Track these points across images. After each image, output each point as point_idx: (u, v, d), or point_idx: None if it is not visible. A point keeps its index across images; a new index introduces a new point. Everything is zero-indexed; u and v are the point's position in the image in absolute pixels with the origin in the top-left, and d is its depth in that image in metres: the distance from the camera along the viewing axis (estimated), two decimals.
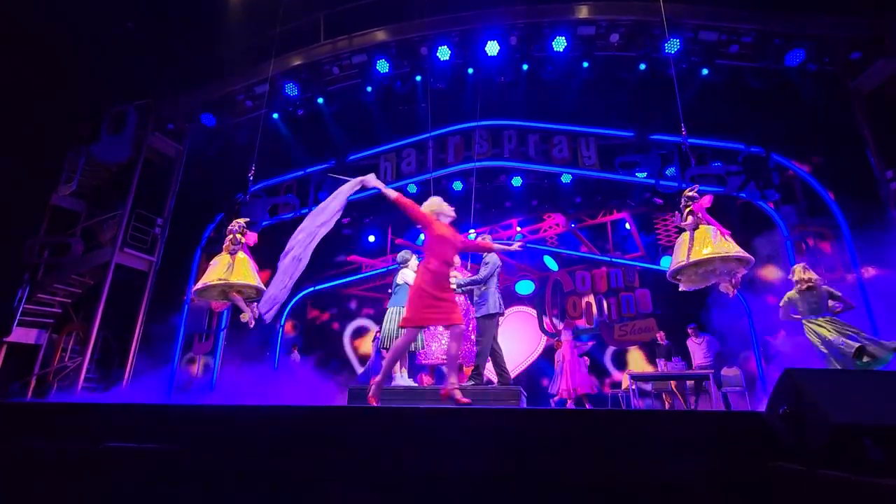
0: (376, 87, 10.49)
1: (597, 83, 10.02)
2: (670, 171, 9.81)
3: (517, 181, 10.94)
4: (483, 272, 5.44)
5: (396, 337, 5.29)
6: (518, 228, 12.01)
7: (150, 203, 10.35)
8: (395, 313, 5.45)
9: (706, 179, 9.32)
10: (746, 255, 5.10)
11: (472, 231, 11.38)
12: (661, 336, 9.58)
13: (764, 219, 9.30)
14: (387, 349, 5.39)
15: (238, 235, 5.97)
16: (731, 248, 5.01)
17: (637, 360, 10.80)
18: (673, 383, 8.99)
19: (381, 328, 5.65)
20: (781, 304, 5.72)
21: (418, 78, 10.23)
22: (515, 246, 4.77)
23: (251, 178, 7.15)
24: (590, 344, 10.51)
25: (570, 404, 8.51)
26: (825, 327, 5.19)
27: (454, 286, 5.37)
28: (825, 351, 5.10)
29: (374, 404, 3.97)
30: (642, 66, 9.50)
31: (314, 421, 3.00)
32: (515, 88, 10.43)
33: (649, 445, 2.48)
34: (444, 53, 9.79)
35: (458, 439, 2.67)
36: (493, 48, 9.64)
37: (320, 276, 12.26)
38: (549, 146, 10.53)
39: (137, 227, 10.02)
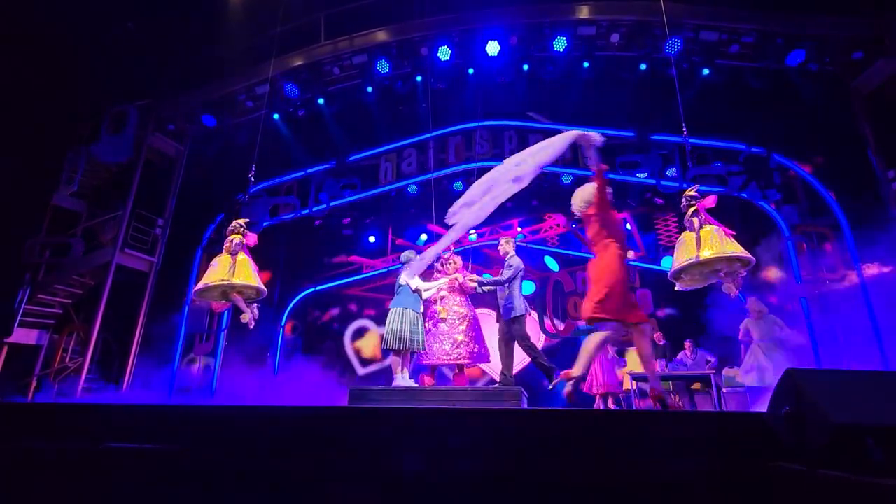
0: (377, 87, 10.48)
1: (597, 83, 10.01)
2: (671, 172, 9.80)
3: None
4: (506, 273, 5.42)
5: (400, 338, 5.28)
6: (519, 229, 12.00)
7: (150, 203, 10.35)
8: (398, 314, 5.41)
9: (707, 179, 9.32)
10: (749, 255, 5.10)
11: (472, 231, 11.41)
12: (658, 336, 9.57)
13: (765, 219, 9.29)
14: (391, 350, 5.36)
15: (238, 236, 5.97)
16: (736, 248, 5.02)
17: (638, 361, 10.77)
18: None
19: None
20: (741, 327, 7.31)
21: (419, 78, 10.22)
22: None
23: (252, 179, 7.15)
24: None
25: (598, 401, 8.58)
26: (765, 352, 6.38)
27: (475, 285, 5.37)
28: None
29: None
30: (643, 66, 9.50)
31: (314, 421, 3.00)
32: (516, 88, 10.43)
33: (649, 446, 2.48)
34: (444, 54, 9.79)
35: (459, 440, 2.67)
36: (493, 48, 9.64)
37: (321, 277, 12.26)
38: None
39: (138, 227, 10.03)
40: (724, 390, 7.59)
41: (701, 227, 5.04)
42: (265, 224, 11.19)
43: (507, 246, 5.88)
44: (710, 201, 5.26)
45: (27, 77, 8.93)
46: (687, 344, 8.92)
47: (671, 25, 8.11)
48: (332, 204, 11.11)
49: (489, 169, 10.61)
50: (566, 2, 9.48)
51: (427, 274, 6.15)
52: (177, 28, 10.06)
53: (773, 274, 9.03)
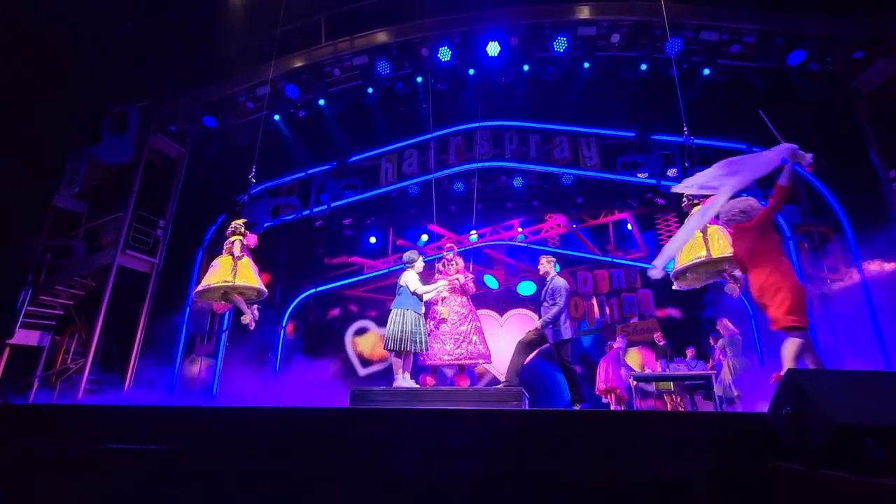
0: (377, 88, 10.49)
1: (598, 83, 10.00)
2: (672, 172, 9.80)
3: (518, 182, 10.94)
4: (560, 300, 5.46)
5: (401, 338, 5.27)
6: (519, 229, 12.01)
7: (151, 204, 10.37)
8: (399, 315, 5.40)
9: None
10: None
11: (473, 232, 11.42)
12: (658, 336, 9.57)
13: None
14: (392, 350, 5.35)
15: (239, 237, 5.96)
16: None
17: (639, 361, 10.78)
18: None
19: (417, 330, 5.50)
20: (717, 346, 8.23)
21: (419, 79, 10.23)
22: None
23: (253, 181, 7.14)
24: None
25: (604, 399, 8.77)
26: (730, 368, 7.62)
27: (539, 325, 5.42)
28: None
29: None
30: (643, 67, 9.49)
31: (315, 422, 3.00)
32: (516, 89, 10.43)
33: (650, 446, 2.48)
34: (444, 54, 9.79)
35: (460, 440, 2.67)
36: (493, 49, 9.64)
37: (322, 278, 12.28)
38: (550, 146, 10.53)
39: (139, 228, 10.04)
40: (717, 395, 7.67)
41: (707, 226, 5.04)
42: (266, 225, 11.20)
43: (547, 265, 5.87)
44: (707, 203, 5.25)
45: (28, 78, 8.94)
46: (689, 352, 8.94)
47: (671, 26, 8.10)
48: (332, 205, 11.13)
49: (490, 169, 10.78)
50: (566, 2, 9.48)
51: (428, 274, 6.15)
52: (177, 29, 10.07)
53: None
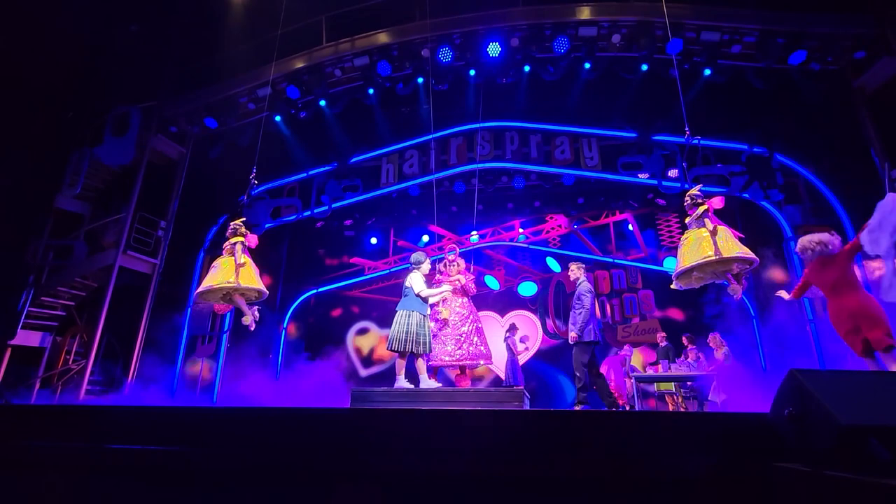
0: (378, 88, 10.50)
1: (599, 84, 10.00)
2: (673, 172, 9.79)
3: (519, 182, 10.94)
4: (586, 301, 5.72)
5: (406, 339, 5.26)
6: (520, 230, 12.00)
7: (152, 205, 10.37)
8: (404, 316, 5.35)
9: (709, 180, 9.31)
10: (755, 256, 5.12)
11: (474, 232, 11.42)
12: (661, 337, 9.56)
13: (767, 219, 9.27)
14: (395, 352, 5.33)
15: (240, 238, 5.95)
16: (745, 249, 5.05)
17: (641, 361, 10.77)
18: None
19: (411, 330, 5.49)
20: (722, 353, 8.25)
21: (420, 80, 10.23)
22: None
23: (254, 182, 7.13)
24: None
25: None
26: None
27: (576, 336, 5.65)
28: None
29: None
30: (644, 67, 9.48)
31: (316, 423, 2.99)
32: (517, 90, 10.42)
33: (652, 446, 2.47)
34: (445, 55, 9.80)
35: (461, 441, 2.66)
36: (494, 49, 9.65)
37: (323, 279, 12.28)
38: (551, 147, 10.52)
39: (140, 229, 10.05)
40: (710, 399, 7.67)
41: (717, 227, 5.06)
42: (267, 226, 11.21)
43: (577, 272, 6.10)
44: (719, 202, 5.28)
45: (31, 79, 8.96)
46: (691, 353, 8.90)
47: (672, 26, 8.09)
48: (333, 205, 11.13)
49: (490, 170, 10.77)
50: (567, 3, 9.48)
51: (429, 275, 6.13)
52: (179, 31, 10.10)
53: (776, 274, 9.00)
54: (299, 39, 10.24)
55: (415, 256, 5.75)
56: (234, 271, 5.69)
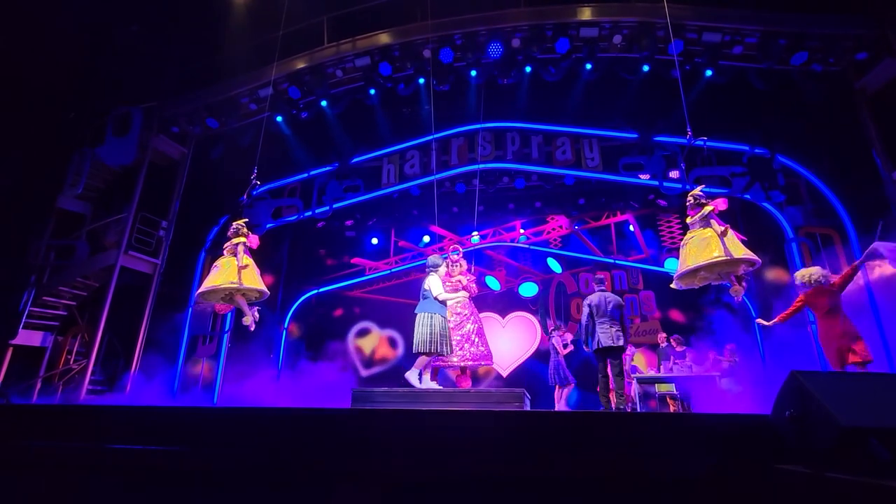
0: (379, 89, 10.51)
1: (600, 85, 10.00)
2: (674, 173, 9.79)
3: (520, 183, 10.94)
4: (582, 316, 6.23)
5: (431, 341, 5.28)
6: (521, 230, 12.00)
7: (154, 205, 10.39)
8: (427, 318, 5.38)
9: (710, 181, 9.30)
10: (758, 258, 5.14)
11: (475, 233, 11.41)
12: (661, 338, 9.55)
13: (769, 220, 9.26)
14: (422, 353, 5.34)
15: (242, 238, 5.96)
16: (748, 251, 5.07)
17: (643, 362, 10.76)
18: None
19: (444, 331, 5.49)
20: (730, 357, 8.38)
21: (421, 80, 10.24)
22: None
23: (257, 182, 7.12)
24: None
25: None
26: None
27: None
28: None
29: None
30: (646, 68, 9.48)
31: (317, 423, 2.99)
32: (518, 90, 10.43)
33: (653, 447, 2.47)
34: (446, 56, 9.81)
35: (462, 441, 2.66)
36: (495, 50, 9.65)
37: (324, 279, 12.29)
38: (552, 148, 10.53)
39: (142, 229, 10.07)
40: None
41: (725, 229, 5.09)
42: (268, 226, 11.22)
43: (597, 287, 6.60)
44: (723, 203, 5.31)
45: (32, 79, 8.98)
46: (689, 354, 8.88)
47: (674, 27, 8.09)
48: (334, 206, 11.14)
49: (491, 170, 10.78)
50: (568, 3, 9.48)
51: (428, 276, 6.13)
52: (181, 31, 10.11)
53: (777, 276, 8.99)
54: (301, 40, 10.26)
55: (431, 259, 5.78)
56: (236, 272, 5.71)
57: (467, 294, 6.03)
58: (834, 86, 8.98)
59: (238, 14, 10.18)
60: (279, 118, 10.91)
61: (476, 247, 11.42)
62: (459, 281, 6.15)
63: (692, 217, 5.37)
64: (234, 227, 6.05)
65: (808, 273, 5.33)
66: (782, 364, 8.20)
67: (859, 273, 8.15)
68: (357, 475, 2.64)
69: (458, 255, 6.39)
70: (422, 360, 5.40)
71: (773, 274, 9.04)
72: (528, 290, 11.91)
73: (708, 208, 5.24)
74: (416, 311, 5.53)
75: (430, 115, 9.56)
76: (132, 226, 9.88)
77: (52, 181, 10.00)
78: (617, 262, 11.20)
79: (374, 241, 12.70)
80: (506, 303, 11.85)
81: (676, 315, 10.79)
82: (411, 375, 5.36)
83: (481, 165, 10.50)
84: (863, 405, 1.88)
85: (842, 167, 8.82)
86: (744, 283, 5.21)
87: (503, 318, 11.70)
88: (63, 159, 10.10)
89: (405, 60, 10.12)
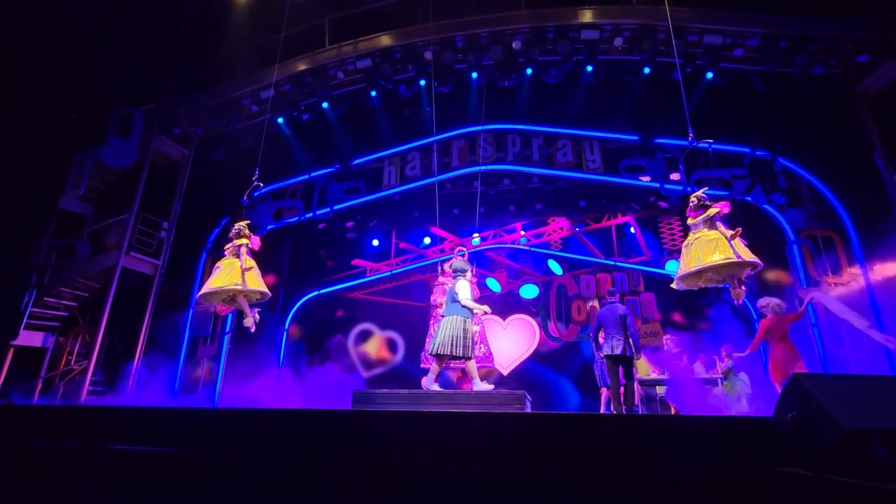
0: (381, 91, 10.53)
1: (601, 87, 10.01)
2: (675, 175, 9.79)
3: (521, 185, 10.94)
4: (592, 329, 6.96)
5: (455, 344, 5.31)
6: (522, 232, 11.99)
7: (155, 207, 10.41)
8: (456, 321, 5.43)
9: (711, 183, 9.29)
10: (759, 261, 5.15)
11: (476, 235, 11.41)
12: (667, 340, 9.52)
13: (770, 222, 9.25)
14: (447, 356, 5.36)
15: (244, 240, 5.96)
16: (751, 254, 5.09)
17: (644, 365, 10.73)
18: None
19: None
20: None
21: (423, 82, 10.26)
22: None
23: (260, 184, 7.12)
24: None
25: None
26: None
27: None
28: None
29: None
30: (646, 70, 9.49)
31: (318, 424, 2.99)
32: (519, 92, 10.44)
33: (655, 449, 2.46)
34: (448, 58, 9.82)
35: (463, 443, 2.66)
36: (496, 52, 9.66)
37: (324, 280, 12.29)
38: (553, 150, 10.53)
39: (143, 230, 10.08)
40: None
41: (733, 233, 5.12)
42: (269, 227, 11.22)
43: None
44: (726, 206, 5.33)
45: (35, 80, 9.01)
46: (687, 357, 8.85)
47: (675, 29, 8.10)
48: (335, 207, 11.14)
49: (492, 172, 10.76)
50: (569, 5, 9.49)
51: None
52: (183, 33, 10.14)
53: (778, 278, 8.99)
54: (303, 42, 10.28)
55: (459, 264, 5.84)
56: (240, 273, 5.72)
57: (489, 309, 6.03)
58: (835, 88, 8.99)
59: (240, 16, 10.20)
60: (280, 120, 10.92)
61: (477, 248, 11.41)
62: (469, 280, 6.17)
63: (695, 218, 5.37)
64: (237, 228, 6.05)
65: (771, 302, 6.05)
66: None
67: (861, 275, 8.18)
68: (357, 477, 2.63)
69: (463, 256, 6.42)
70: (435, 366, 5.40)
71: (774, 276, 9.03)
72: (529, 291, 11.89)
73: (714, 210, 5.26)
74: (442, 314, 5.60)
75: (431, 117, 9.57)
76: (133, 227, 9.90)
77: (53, 182, 10.01)
78: (618, 264, 11.19)
79: (375, 242, 12.70)
80: (506, 305, 11.84)
81: (678, 317, 10.77)
82: (430, 382, 5.36)
83: (482, 167, 10.51)
84: (865, 407, 1.88)
85: (843, 169, 8.81)
86: (743, 287, 5.23)
87: (504, 319, 11.68)
88: (65, 160, 10.12)
89: (406, 62, 10.15)
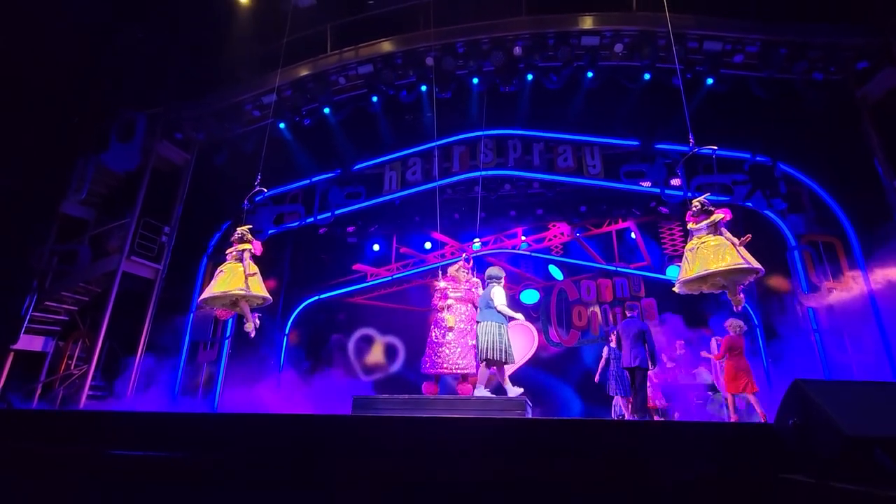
0: (382, 96, 10.56)
1: (601, 92, 10.04)
2: (675, 181, 9.80)
3: (522, 190, 10.95)
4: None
5: (495, 349, 5.37)
6: (523, 237, 11.99)
7: (157, 211, 10.42)
8: (495, 328, 5.51)
9: (712, 188, 9.30)
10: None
11: (477, 240, 11.41)
12: (680, 344, 9.49)
13: (771, 228, 9.26)
14: (490, 360, 5.41)
15: (247, 245, 5.96)
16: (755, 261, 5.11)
17: None
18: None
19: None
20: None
21: (424, 88, 10.29)
22: None
23: (263, 189, 7.11)
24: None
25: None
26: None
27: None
28: None
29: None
30: (647, 76, 9.52)
31: (317, 429, 2.99)
32: (520, 98, 10.47)
33: (657, 454, 2.45)
34: (449, 64, 9.86)
35: (463, 449, 2.65)
36: (497, 58, 9.71)
37: (325, 285, 12.28)
38: (553, 155, 10.55)
39: (144, 235, 10.09)
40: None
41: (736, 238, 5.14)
42: (270, 232, 11.23)
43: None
44: (728, 214, 5.37)
45: (38, 85, 9.05)
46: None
47: (675, 35, 8.13)
48: (336, 212, 11.16)
49: (493, 177, 10.78)
50: (570, 12, 9.54)
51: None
52: (185, 38, 10.19)
53: (779, 284, 8.98)
54: (305, 48, 10.33)
55: (494, 271, 5.90)
56: (243, 278, 5.72)
57: (524, 317, 6.09)
58: (835, 94, 9.01)
59: (243, 21, 10.26)
60: (282, 125, 10.96)
61: (477, 253, 11.40)
62: (469, 290, 6.18)
63: (697, 223, 5.36)
64: (239, 232, 6.04)
65: (734, 322, 7.08)
66: (786, 372, 8.16)
67: (862, 281, 8.17)
68: (357, 481, 2.63)
69: (470, 262, 6.45)
70: (492, 373, 5.46)
71: (775, 282, 9.02)
72: (530, 297, 11.88)
73: (719, 216, 5.28)
74: (478, 320, 5.67)
75: (432, 122, 9.60)
76: (135, 231, 9.91)
77: (55, 186, 10.03)
78: (618, 269, 11.18)
79: (376, 247, 12.70)
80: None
81: (678, 322, 10.74)
82: (509, 392, 5.38)
83: (483, 172, 10.52)
84: (867, 414, 1.88)
85: (843, 175, 8.82)
86: (741, 294, 5.25)
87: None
88: (67, 164, 10.14)
89: (407, 68, 10.19)
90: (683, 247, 5.54)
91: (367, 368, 12.10)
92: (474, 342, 5.96)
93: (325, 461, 2.72)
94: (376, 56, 10.14)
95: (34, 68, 8.97)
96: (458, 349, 5.93)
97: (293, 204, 11.50)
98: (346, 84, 10.56)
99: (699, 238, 5.31)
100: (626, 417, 7.63)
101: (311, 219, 11.27)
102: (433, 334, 6.08)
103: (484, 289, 5.94)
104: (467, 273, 6.35)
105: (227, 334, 10.47)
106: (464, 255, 6.54)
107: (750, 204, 9.27)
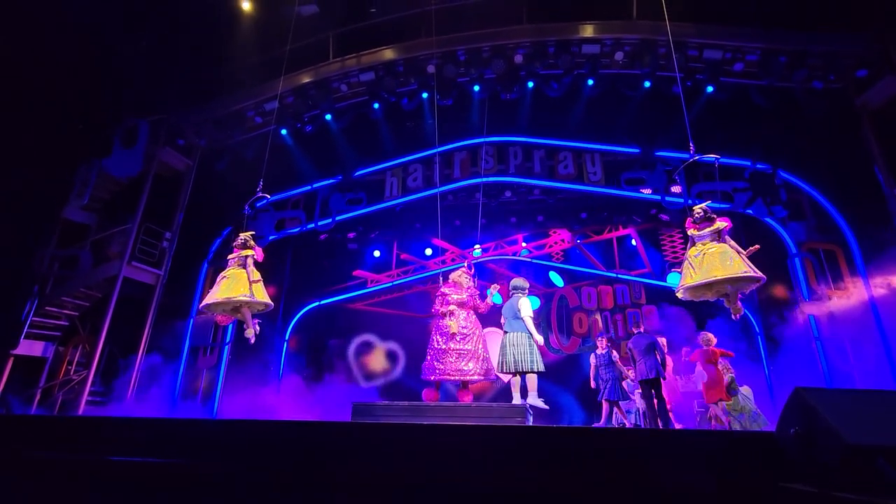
0: (383, 103, 10.62)
1: (602, 100, 10.09)
2: (676, 188, 9.82)
3: (522, 197, 10.97)
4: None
5: (522, 359, 5.46)
6: (523, 244, 12.00)
7: (158, 217, 10.45)
8: (522, 338, 5.62)
9: (713, 196, 9.32)
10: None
11: (477, 246, 11.42)
12: (685, 352, 9.46)
13: (772, 235, 9.26)
14: (518, 372, 5.49)
15: (249, 251, 5.97)
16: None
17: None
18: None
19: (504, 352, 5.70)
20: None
21: (425, 95, 10.35)
22: None
23: (267, 196, 7.12)
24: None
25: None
26: None
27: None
28: None
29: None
30: (647, 84, 9.57)
31: (317, 436, 2.98)
32: (521, 105, 10.52)
33: (658, 463, 2.44)
34: (450, 71, 9.92)
35: (463, 456, 2.64)
36: (498, 66, 9.76)
37: (325, 291, 12.28)
38: (554, 162, 10.58)
39: (146, 240, 10.12)
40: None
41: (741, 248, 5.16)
42: (271, 238, 11.25)
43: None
44: (728, 222, 5.39)
45: (41, 91, 9.10)
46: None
47: (675, 44, 8.18)
48: (337, 218, 11.18)
49: (494, 184, 10.81)
50: (570, 20, 9.61)
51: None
52: (188, 45, 10.26)
53: (780, 291, 8.97)
54: (307, 55, 10.41)
55: (519, 282, 6.06)
56: (247, 284, 5.73)
57: (542, 340, 6.14)
58: (835, 102, 9.04)
59: (246, 29, 10.34)
60: (284, 131, 11.01)
61: (478, 260, 11.41)
62: (471, 296, 6.18)
63: (700, 230, 5.36)
64: (242, 238, 6.04)
65: (706, 336, 7.43)
66: (787, 380, 8.13)
67: (863, 288, 8.17)
68: (356, 489, 2.62)
69: (472, 269, 6.49)
70: (533, 380, 5.51)
71: (776, 290, 9.01)
72: (530, 303, 11.85)
73: (722, 224, 5.30)
74: (505, 330, 5.79)
75: (433, 129, 9.63)
76: (136, 237, 9.93)
77: (58, 191, 10.07)
78: (619, 276, 11.17)
79: (377, 253, 12.71)
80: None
81: (679, 329, 10.72)
82: (533, 399, 5.42)
83: (484, 179, 10.55)
84: (869, 423, 1.87)
85: (844, 183, 8.83)
86: (740, 303, 5.24)
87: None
88: (69, 170, 10.19)
89: (409, 75, 10.25)
90: (684, 254, 5.54)
91: (367, 374, 12.07)
92: (479, 349, 5.95)
93: (324, 468, 2.71)
94: (378, 63, 10.20)
95: (38, 74, 9.02)
96: (459, 355, 5.91)
97: (294, 210, 11.53)
98: (348, 91, 10.62)
99: (707, 244, 5.30)
100: (627, 425, 7.62)
101: (312, 225, 11.30)
102: (434, 340, 6.07)
103: (510, 299, 6.03)
104: (469, 279, 6.34)
105: (227, 340, 10.46)
106: (466, 261, 6.56)
107: (751, 211, 9.28)
